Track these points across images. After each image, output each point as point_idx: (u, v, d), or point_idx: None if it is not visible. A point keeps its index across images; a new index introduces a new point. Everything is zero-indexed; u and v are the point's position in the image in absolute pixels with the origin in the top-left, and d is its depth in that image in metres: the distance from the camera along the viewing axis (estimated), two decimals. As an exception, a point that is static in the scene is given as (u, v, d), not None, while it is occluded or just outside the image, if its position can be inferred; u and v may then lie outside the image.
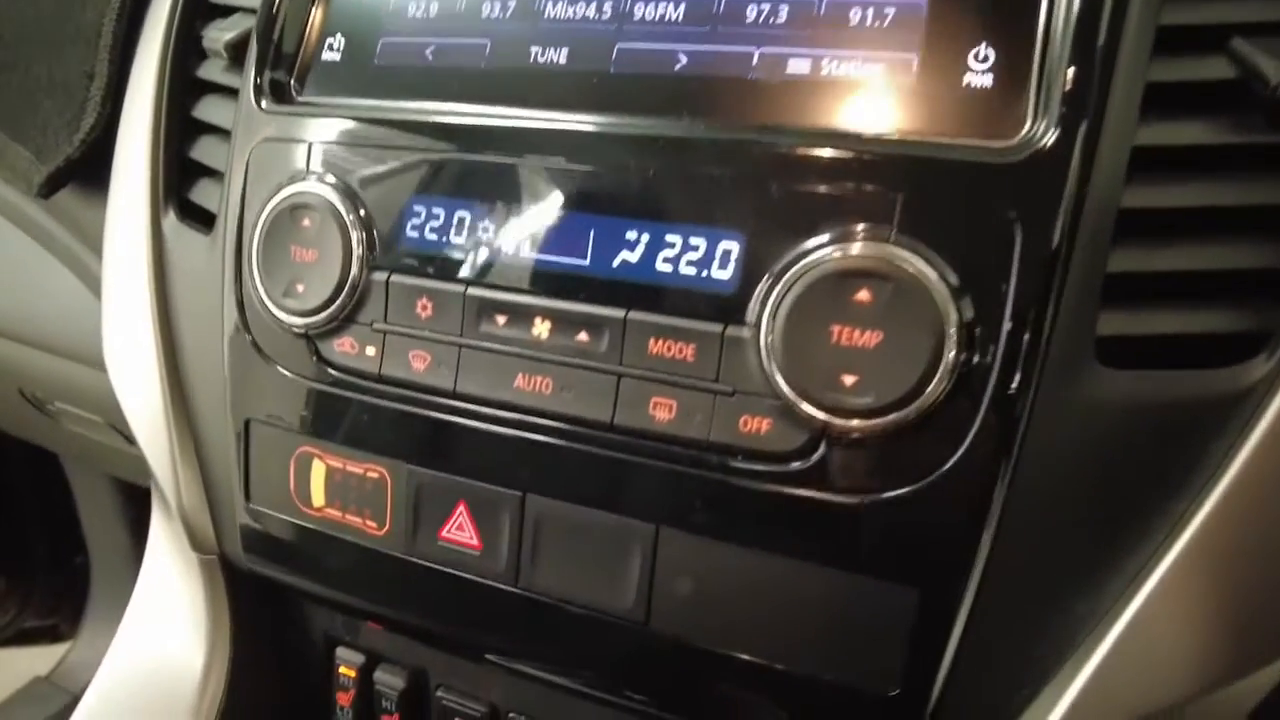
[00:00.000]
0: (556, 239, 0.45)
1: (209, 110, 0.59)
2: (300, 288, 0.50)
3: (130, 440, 0.88)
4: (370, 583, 0.52)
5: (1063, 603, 0.39)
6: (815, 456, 0.40)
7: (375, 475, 0.50)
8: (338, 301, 0.49)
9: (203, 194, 0.59)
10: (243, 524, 0.55)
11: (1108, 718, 0.39)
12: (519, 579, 0.47)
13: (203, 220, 0.58)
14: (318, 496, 0.52)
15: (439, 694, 0.57)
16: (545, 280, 0.45)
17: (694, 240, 0.42)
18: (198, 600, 0.58)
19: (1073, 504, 0.38)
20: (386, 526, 0.50)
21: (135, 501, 1.44)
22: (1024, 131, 0.38)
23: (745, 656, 0.43)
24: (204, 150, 0.59)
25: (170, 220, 0.58)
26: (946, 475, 0.39)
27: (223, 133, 0.57)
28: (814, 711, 0.43)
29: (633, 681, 0.47)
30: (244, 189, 0.53)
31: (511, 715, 0.55)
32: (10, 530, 1.51)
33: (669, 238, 0.42)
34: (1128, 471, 0.38)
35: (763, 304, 0.40)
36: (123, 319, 0.59)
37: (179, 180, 0.60)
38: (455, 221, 0.47)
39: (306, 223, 0.50)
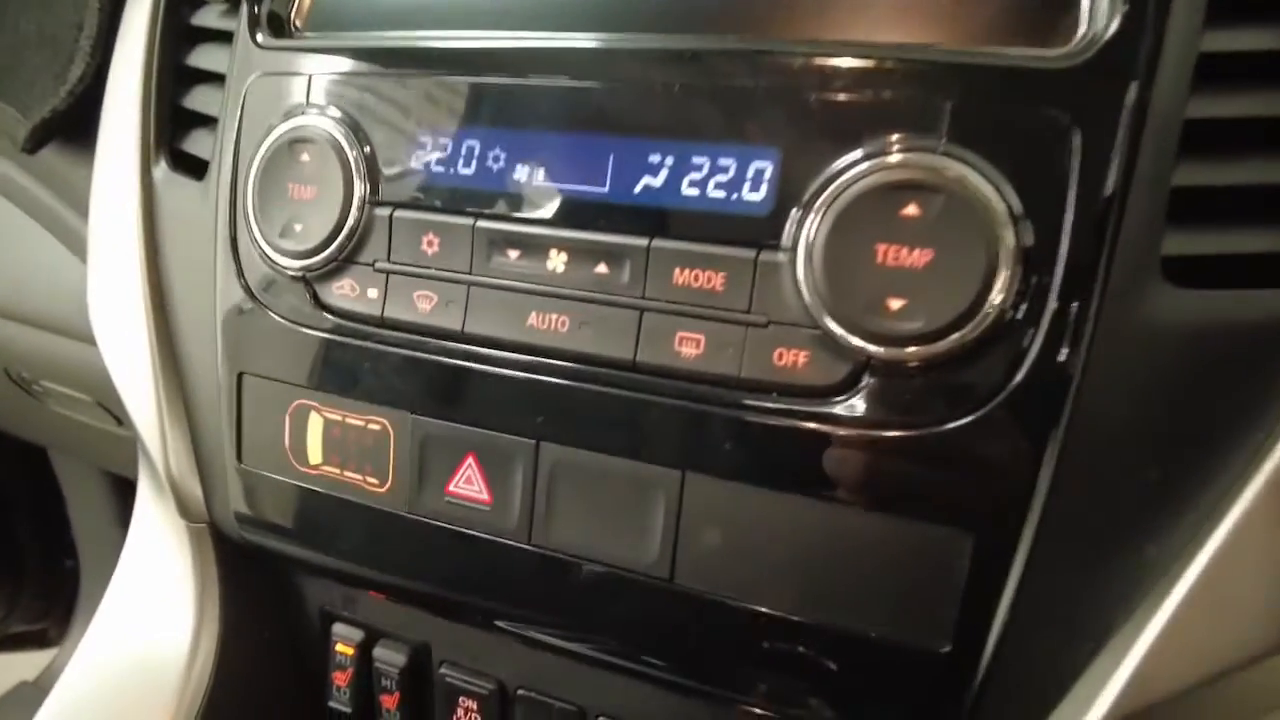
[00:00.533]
0: (573, 165, 0.42)
1: (203, 58, 0.56)
2: (298, 227, 0.47)
3: (118, 419, 0.85)
4: (370, 546, 0.48)
5: (1130, 546, 0.35)
6: (858, 390, 0.37)
7: (377, 427, 0.46)
8: (338, 240, 0.46)
9: (196, 143, 0.56)
10: (234, 487, 0.52)
11: (1181, 676, 0.35)
12: (532, 535, 0.43)
13: (195, 170, 0.55)
14: (315, 453, 0.48)
15: (443, 671, 0.53)
16: (561, 209, 0.42)
17: (723, 161, 0.39)
18: (186, 572, 0.55)
19: (1140, 435, 0.35)
20: (389, 482, 0.47)
21: (126, 501, 1.40)
22: (1082, 33, 0.35)
23: (779, 614, 0.40)
24: (198, 99, 0.56)
25: (161, 169, 0.55)
26: (1001, 406, 0.35)
27: (218, 80, 0.54)
28: (856, 673, 0.39)
29: (656, 645, 0.43)
30: (239, 127, 0.50)
31: (521, 691, 0.51)
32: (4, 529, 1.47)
33: (696, 159, 0.39)
34: (1199, 399, 0.35)
35: (799, 225, 0.37)
36: (110, 273, 0.56)
37: (171, 130, 0.57)
38: (463, 151, 0.44)
39: (305, 158, 0.47)
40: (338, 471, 0.48)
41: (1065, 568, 0.36)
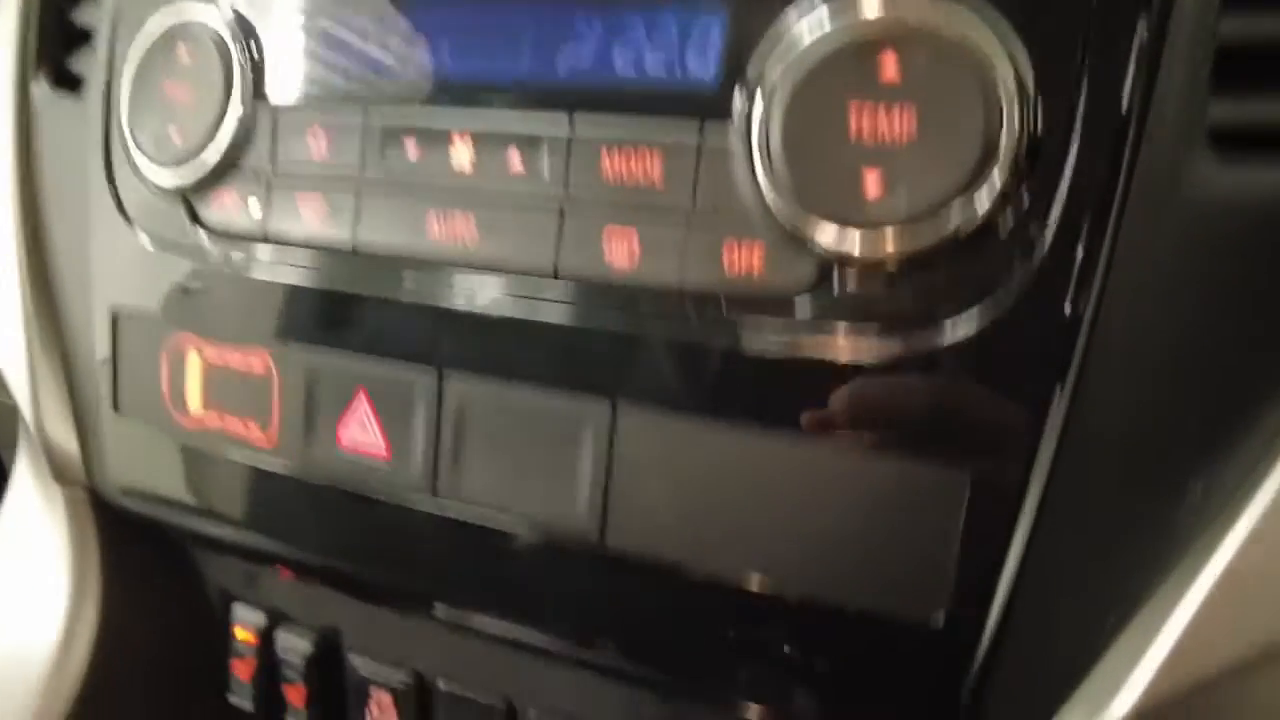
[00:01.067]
0: (482, 40, 0.34)
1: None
2: (174, 133, 0.40)
3: None
4: (257, 510, 0.41)
5: (1169, 485, 0.28)
6: (827, 295, 0.30)
7: (258, 364, 0.39)
8: (215, 142, 0.38)
9: (83, 60, 0.49)
10: (112, 444, 0.45)
11: (1233, 645, 0.28)
12: (437, 488, 0.36)
13: (79, 88, 0.48)
14: (194, 399, 0.41)
15: (352, 659, 0.46)
16: (468, 93, 0.34)
17: (661, 24, 0.32)
18: (61, 545, 0.47)
19: (1181, 343, 0.28)
20: (273, 431, 0.39)
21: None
22: None
23: (733, 581, 0.32)
24: (87, 13, 0.49)
25: (41, 88, 0.48)
26: (1005, 310, 0.28)
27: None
28: (828, 655, 0.32)
29: (588, 624, 0.36)
30: (114, 27, 0.43)
31: (442, 683, 0.44)
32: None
33: (629, 23, 0.32)
34: (1255, 296, 0.27)
35: (752, 96, 0.30)
36: (-22, 203, 0.49)
37: (56, 46, 0.50)
38: (355, 32, 0.36)
39: (184, 54, 0.40)
40: (219, 420, 0.41)
41: (1086, 516, 0.29)
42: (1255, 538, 0.27)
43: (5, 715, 0.45)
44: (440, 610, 0.39)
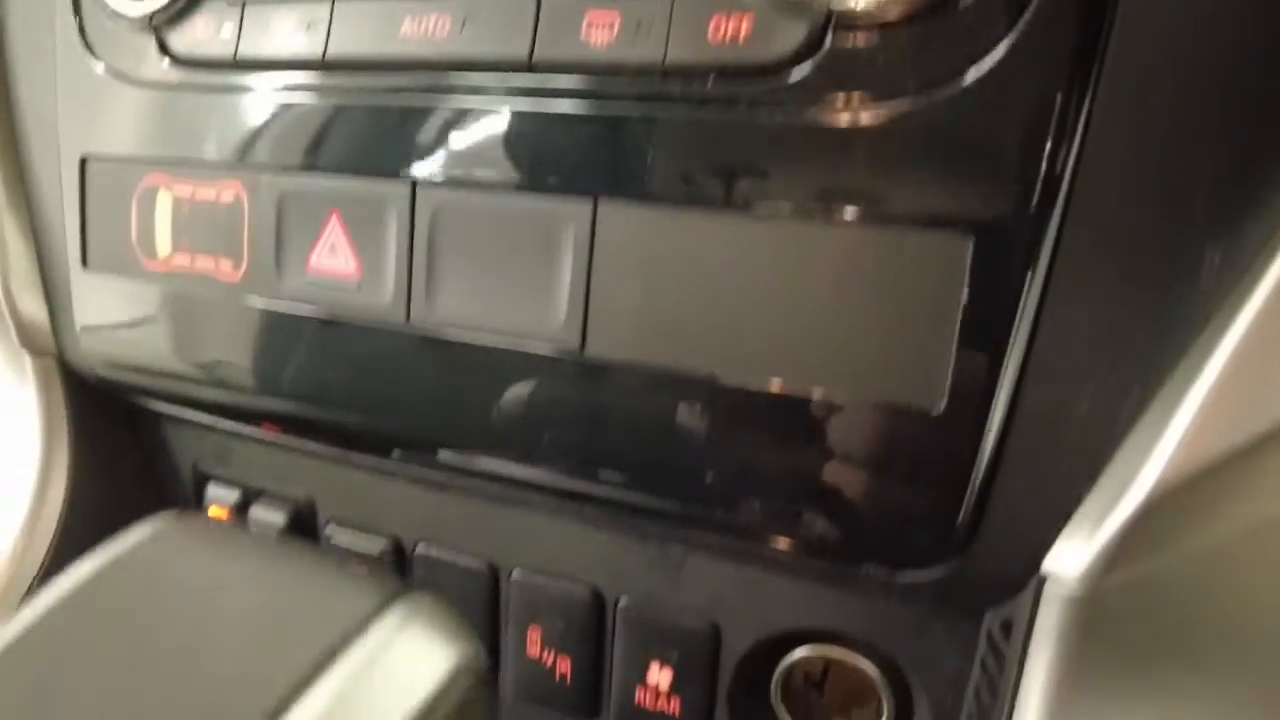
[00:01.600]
0: None
1: None
2: (144, -40, 0.38)
3: None
4: (230, 360, 0.39)
5: (1181, 246, 0.26)
6: (819, 58, 0.28)
7: (230, 197, 0.37)
8: (184, -36, 0.37)
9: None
10: (80, 304, 0.43)
11: (1250, 421, 0.26)
12: (410, 312, 0.34)
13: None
14: (164, 242, 0.39)
15: (329, 530, 0.44)
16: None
17: None
18: (31, 419, 0.46)
19: (1191, 90, 0.25)
20: (244, 265, 0.37)
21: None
22: None
23: (725, 380, 0.30)
24: None
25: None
26: (1008, 56, 0.26)
27: None
28: (826, 459, 0.30)
29: (570, 449, 0.34)
30: None
31: (420, 548, 0.42)
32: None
33: None
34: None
35: None
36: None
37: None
38: None
39: (152, -121, 0.38)
40: (189, 261, 0.39)
41: (1099, 282, 0.26)
42: (1270, 311, 0.25)
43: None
44: (417, 454, 0.37)
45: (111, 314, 0.42)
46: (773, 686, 0.39)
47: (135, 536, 0.24)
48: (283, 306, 0.37)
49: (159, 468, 0.48)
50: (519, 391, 0.33)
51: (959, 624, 0.34)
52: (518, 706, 0.41)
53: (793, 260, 0.29)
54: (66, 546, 0.45)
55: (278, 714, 0.19)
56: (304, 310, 0.36)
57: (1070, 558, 0.28)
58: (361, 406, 0.37)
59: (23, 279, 0.45)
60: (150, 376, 0.42)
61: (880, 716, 0.38)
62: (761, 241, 0.29)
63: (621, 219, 0.31)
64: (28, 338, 0.45)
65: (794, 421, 0.29)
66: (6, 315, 0.45)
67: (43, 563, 0.44)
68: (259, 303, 0.37)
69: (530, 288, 0.32)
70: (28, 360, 0.46)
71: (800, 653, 0.38)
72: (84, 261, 0.42)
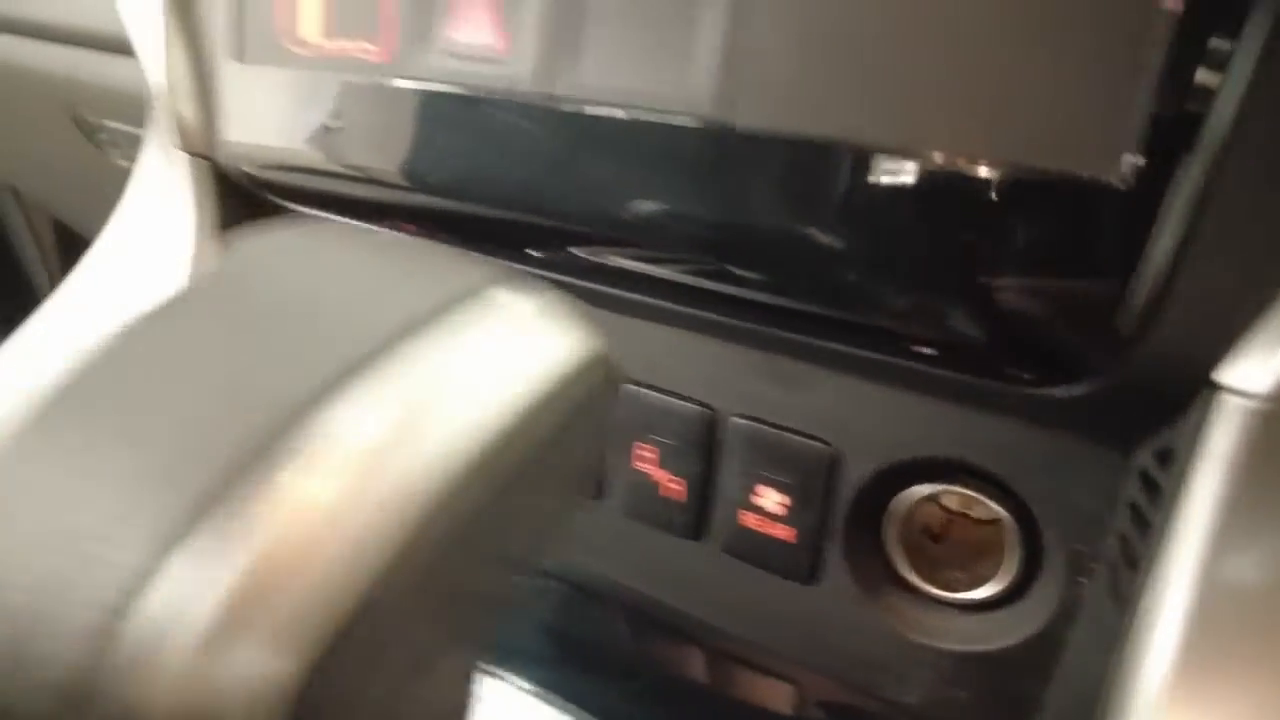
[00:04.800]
0: None
1: None
2: None
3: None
4: (367, 146, 0.39)
5: None
6: None
7: (377, -27, 0.37)
8: None
9: None
10: (230, 96, 0.44)
11: None
12: (554, 80, 0.33)
13: None
14: (309, 24, 0.40)
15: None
16: None
17: None
18: (185, 215, 0.48)
19: None
20: (387, 43, 0.37)
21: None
22: None
23: (887, 146, 0.28)
24: None
25: None
26: None
27: None
28: (983, 231, 0.27)
29: (700, 237, 0.32)
30: None
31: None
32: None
33: None
34: None
35: None
36: None
37: None
38: None
39: None
40: (335, 46, 0.39)
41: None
42: None
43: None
44: (546, 247, 0.37)
45: (260, 107, 0.43)
46: (887, 525, 0.37)
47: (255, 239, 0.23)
48: (423, 83, 0.37)
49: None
50: (657, 169, 0.32)
51: (1102, 460, 0.32)
52: (622, 522, 0.41)
53: (964, 11, 0.26)
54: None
55: (338, 382, 0.17)
56: (443, 87, 0.36)
57: (1253, 371, 0.25)
58: (497, 194, 0.37)
59: (182, 80, 0.46)
60: (296, 174, 0.43)
61: (999, 568, 0.36)
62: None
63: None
64: (185, 138, 0.47)
65: (950, 198, 0.27)
66: (168, 118, 0.47)
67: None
68: (400, 81, 0.37)
69: (675, 56, 0.31)
70: (184, 159, 0.48)
71: (922, 489, 0.36)
72: (236, 53, 0.43)
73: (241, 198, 0.48)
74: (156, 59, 0.47)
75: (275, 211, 0.48)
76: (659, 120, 0.31)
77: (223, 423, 0.16)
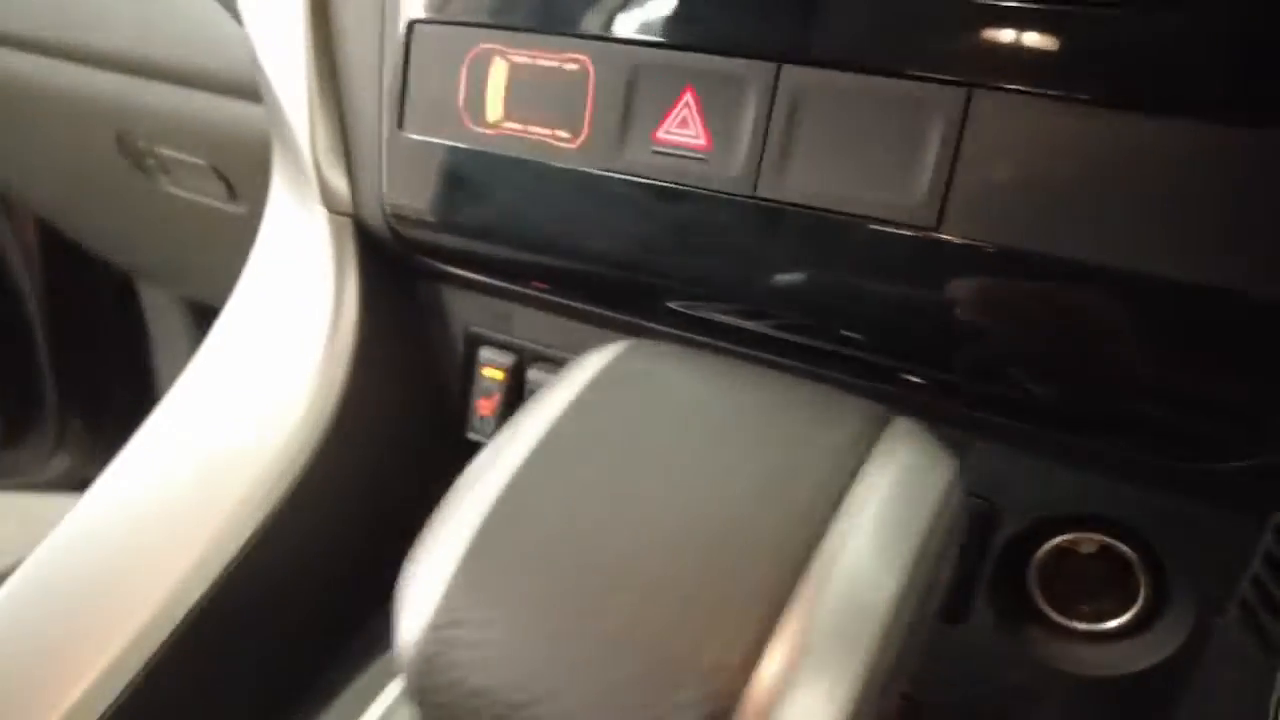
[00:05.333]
0: None
1: None
2: None
3: (231, 188, 0.81)
4: (549, 221, 0.42)
5: None
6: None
7: (574, 66, 0.40)
8: None
9: None
10: (389, 164, 0.46)
11: None
12: (759, 184, 0.36)
13: None
14: (495, 106, 0.42)
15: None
16: None
17: None
18: (325, 270, 0.49)
19: None
20: (584, 134, 0.40)
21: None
22: None
23: (1075, 262, 0.32)
24: None
25: None
26: None
27: None
28: (1164, 339, 0.32)
29: (896, 328, 0.36)
30: None
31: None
32: (88, 370, 1.46)
33: None
34: None
35: None
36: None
37: None
38: None
39: None
40: (521, 127, 0.41)
41: None
42: None
43: (272, 415, 0.48)
44: (735, 319, 0.40)
45: (423, 175, 0.45)
46: (1030, 571, 0.42)
47: (602, 360, 0.27)
48: (618, 175, 0.39)
49: (431, 327, 0.52)
50: (856, 266, 0.36)
51: (1237, 519, 0.36)
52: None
53: (1165, 154, 0.31)
54: (354, 396, 0.49)
55: (815, 539, 0.21)
56: (640, 179, 0.39)
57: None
58: (688, 269, 0.40)
59: (326, 141, 0.48)
60: (455, 237, 0.45)
61: (1129, 604, 0.41)
62: (1135, 135, 0.31)
63: (992, 106, 0.32)
64: (328, 198, 0.49)
65: (1131, 307, 0.32)
66: (312, 177, 0.48)
67: (340, 394, 0.48)
68: (596, 170, 0.40)
69: (889, 167, 0.34)
70: (325, 217, 0.49)
71: (1063, 538, 0.41)
72: (399, 124, 0.45)
73: (378, 252, 0.50)
74: (298, 116, 0.48)
75: (407, 269, 0.50)
76: (864, 228, 0.35)
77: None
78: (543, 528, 0.22)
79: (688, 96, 0.37)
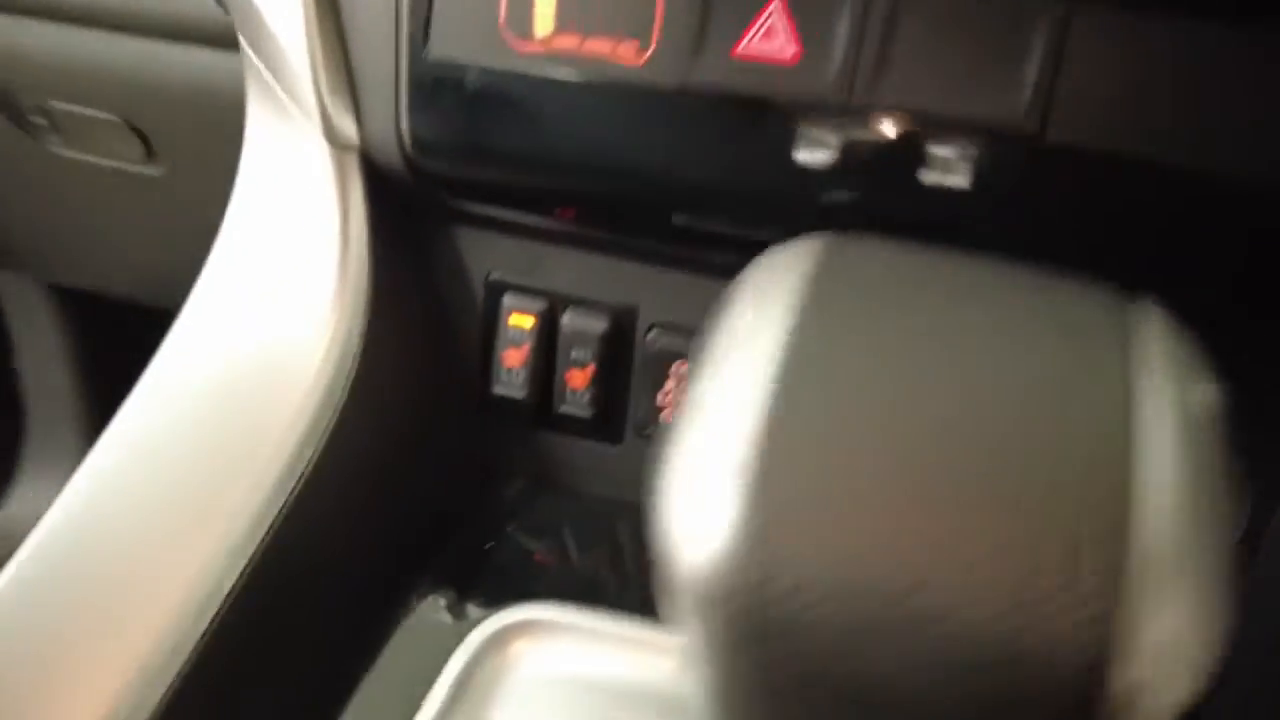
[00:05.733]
0: None
1: None
2: None
3: (147, 145, 0.71)
4: (611, 145, 0.39)
5: None
6: None
7: (643, -28, 0.37)
8: None
9: None
10: (408, 93, 0.41)
11: None
12: (854, 90, 0.35)
13: None
14: (544, 20, 0.39)
15: (651, 336, 0.45)
16: None
17: None
18: (330, 212, 0.44)
19: None
20: (651, 47, 0.37)
21: (81, 343, 1.23)
22: None
23: (1179, 168, 0.33)
24: None
25: None
26: None
27: None
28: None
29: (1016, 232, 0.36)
30: None
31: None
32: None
33: None
34: None
35: None
36: None
37: None
38: None
39: None
40: (576, 43, 0.38)
41: None
42: None
43: (281, 393, 0.42)
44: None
45: (454, 104, 0.41)
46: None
47: (810, 254, 0.25)
48: (693, 90, 0.37)
49: (445, 276, 0.47)
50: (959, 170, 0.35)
51: None
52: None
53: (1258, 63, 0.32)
54: (370, 354, 0.44)
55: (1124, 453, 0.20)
56: (720, 91, 0.37)
57: None
58: (765, 189, 0.38)
59: (328, 62, 0.43)
60: (495, 168, 0.42)
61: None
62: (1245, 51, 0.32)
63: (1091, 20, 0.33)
64: (330, 130, 0.44)
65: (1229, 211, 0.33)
66: (313, 108, 0.43)
67: (356, 354, 0.43)
68: (664, 83, 0.37)
69: (990, 77, 0.34)
70: (328, 152, 0.44)
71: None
72: (425, 47, 0.41)
73: (386, 188, 0.45)
74: (294, 42, 0.43)
75: (426, 214, 0.46)
76: (965, 135, 0.34)
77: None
78: (836, 419, 0.20)
79: (774, 6, 0.36)
